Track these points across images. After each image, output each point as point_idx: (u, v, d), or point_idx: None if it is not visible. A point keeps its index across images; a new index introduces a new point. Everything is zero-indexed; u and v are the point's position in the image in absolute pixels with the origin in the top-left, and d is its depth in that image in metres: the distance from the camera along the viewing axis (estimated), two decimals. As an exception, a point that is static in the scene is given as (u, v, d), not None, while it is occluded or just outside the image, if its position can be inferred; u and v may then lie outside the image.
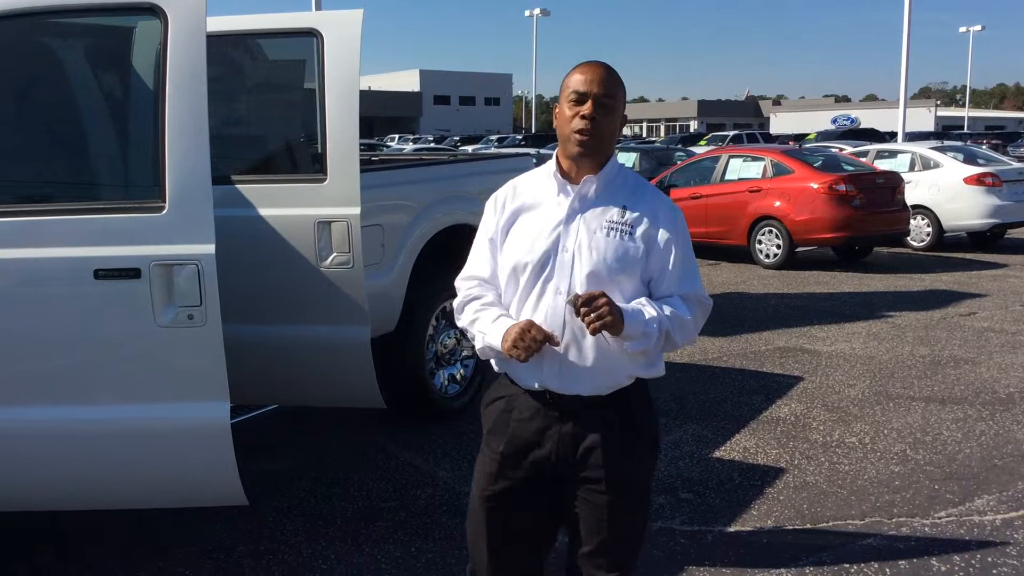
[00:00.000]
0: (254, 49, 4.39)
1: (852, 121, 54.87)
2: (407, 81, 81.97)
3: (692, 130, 67.89)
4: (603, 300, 2.12)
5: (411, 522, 4.28)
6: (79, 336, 2.91)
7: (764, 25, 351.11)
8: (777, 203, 12.24)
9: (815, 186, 12.04)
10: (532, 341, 2.18)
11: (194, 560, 3.88)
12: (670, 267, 2.30)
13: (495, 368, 2.45)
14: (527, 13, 56.62)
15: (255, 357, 4.02)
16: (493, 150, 28.41)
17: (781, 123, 66.47)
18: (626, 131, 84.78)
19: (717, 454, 5.15)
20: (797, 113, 72.20)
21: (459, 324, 2.44)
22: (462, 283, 2.47)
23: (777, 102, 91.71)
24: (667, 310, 2.25)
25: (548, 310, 2.26)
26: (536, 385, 2.33)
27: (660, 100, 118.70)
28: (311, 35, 3.85)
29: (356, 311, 3.97)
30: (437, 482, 4.76)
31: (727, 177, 13.09)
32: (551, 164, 2.32)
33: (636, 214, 2.28)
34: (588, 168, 2.28)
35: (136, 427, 2.96)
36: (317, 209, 3.86)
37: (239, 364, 3.88)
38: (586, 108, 2.21)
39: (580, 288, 2.22)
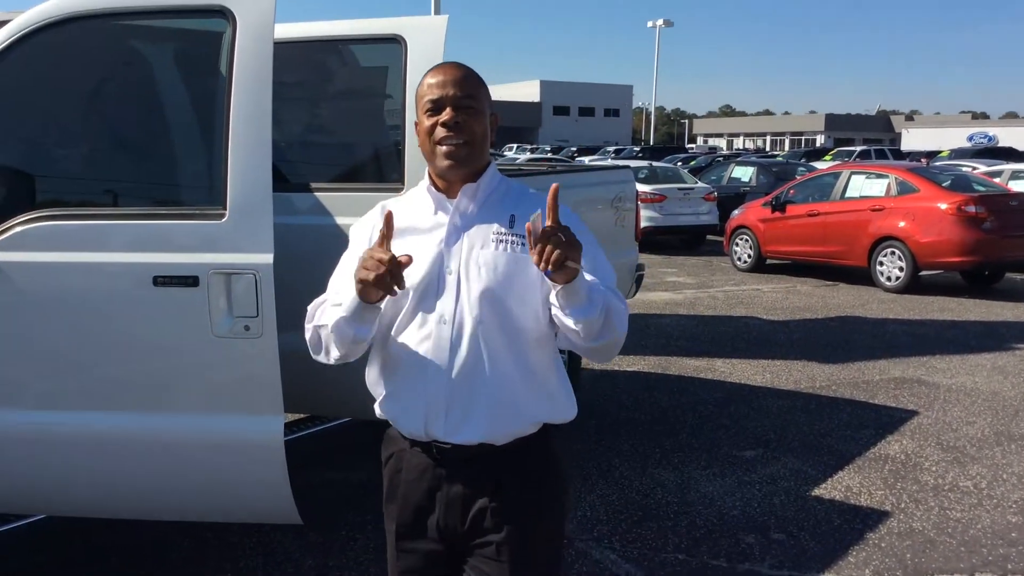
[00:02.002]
0: (338, 55, 4.33)
1: (989, 139, 52.07)
2: (528, 92, 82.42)
3: (818, 144, 65.85)
4: (561, 226, 1.78)
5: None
6: (136, 343, 2.88)
7: (899, 37, 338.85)
8: (901, 223, 11.61)
9: (942, 206, 11.36)
10: (377, 262, 1.80)
11: (263, 571, 3.83)
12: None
13: (377, 412, 2.10)
14: (649, 24, 56.23)
15: (331, 368, 3.93)
16: (588, 161, 28.09)
17: (913, 139, 63.71)
18: (749, 144, 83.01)
19: (816, 492, 4.81)
20: (931, 129, 69.10)
21: (313, 353, 2.05)
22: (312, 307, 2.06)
23: (910, 117, 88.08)
24: (602, 287, 1.92)
25: (432, 340, 1.96)
26: (419, 431, 2.01)
27: (786, 113, 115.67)
28: (395, 41, 3.76)
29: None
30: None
31: (848, 194, 12.51)
32: (424, 181, 2.05)
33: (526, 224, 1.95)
34: (464, 180, 2.00)
35: (188, 437, 2.91)
36: (394, 219, 3.74)
37: (315, 375, 3.81)
38: (445, 114, 1.94)
39: (471, 313, 1.94)
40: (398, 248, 1.91)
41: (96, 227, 2.85)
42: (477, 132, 1.97)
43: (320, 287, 3.95)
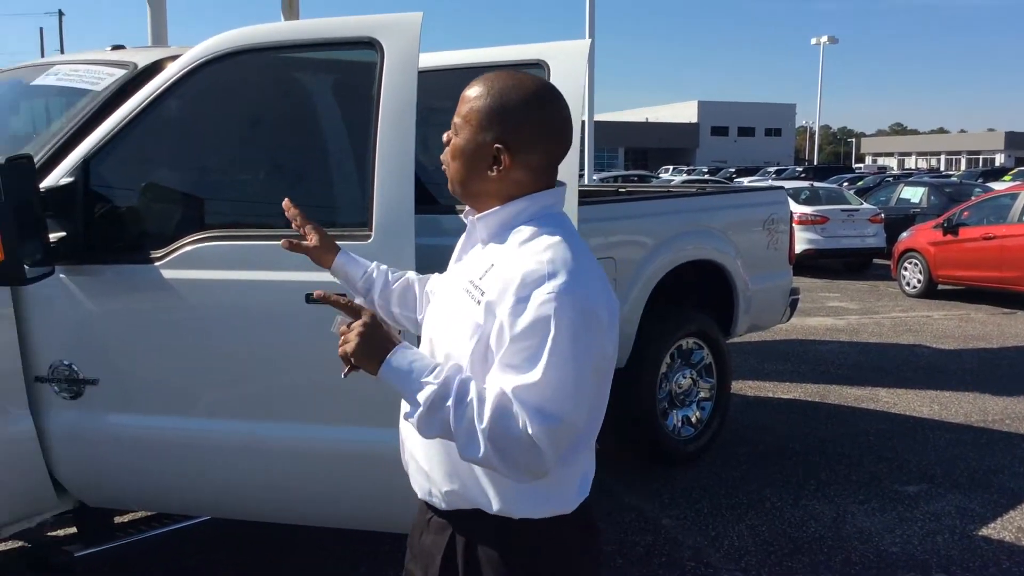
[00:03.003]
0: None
1: None
2: (685, 112, 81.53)
3: (997, 164, 61.92)
4: (362, 321, 1.66)
5: (627, 570, 4.08)
6: (289, 357, 3.03)
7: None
8: (1089, 246, 10.76)
9: None
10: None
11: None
12: (495, 345, 1.59)
13: None
14: (813, 41, 54.63)
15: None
16: (747, 183, 27.46)
17: (1108, 156, 58.90)
18: (921, 164, 79.09)
19: (984, 532, 4.50)
20: None
21: None
22: None
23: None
24: (470, 393, 1.56)
25: None
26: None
27: (962, 131, 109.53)
28: (538, 66, 3.82)
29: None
30: (659, 530, 4.53)
31: (1028, 216, 11.71)
32: None
33: (495, 275, 1.64)
34: (477, 208, 1.77)
35: (341, 447, 3.04)
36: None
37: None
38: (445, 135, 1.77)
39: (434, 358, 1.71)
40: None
41: (255, 247, 3.02)
42: (456, 155, 1.72)
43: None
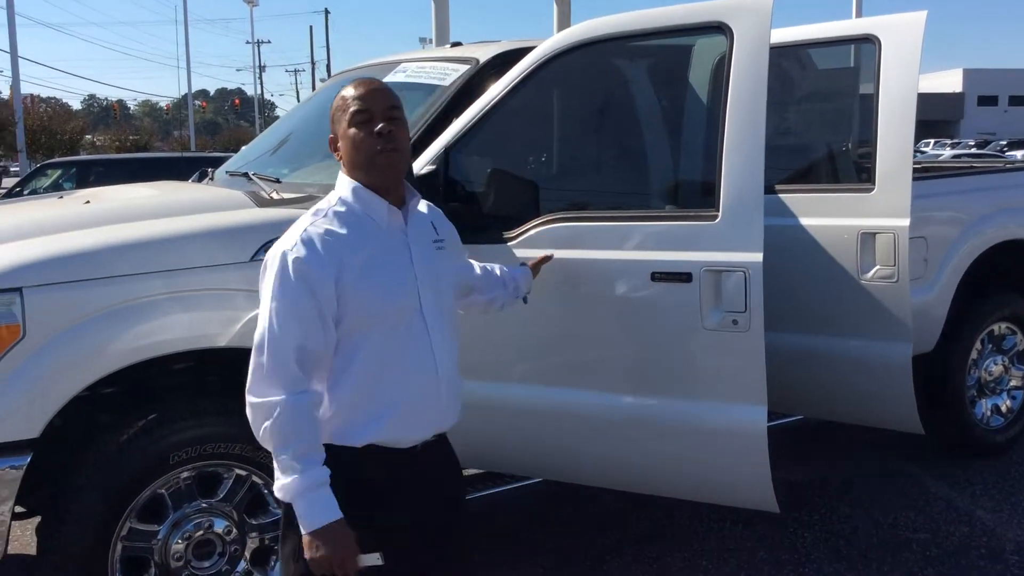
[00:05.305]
0: (804, 58, 4.40)
1: None
2: (947, 82, 75.48)
3: None
4: None
5: (944, 560, 3.96)
6: (634, 331, 3.17)
7: None
8: None
9: None
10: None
11: (717, 556, 4.02)
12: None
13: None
14: (1103, -4, 48.86)
15: (790, 365, 4.02)
16: (1021, 156, 24.99)
17: None
18: None
19: None
20: None
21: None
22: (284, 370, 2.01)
23: None
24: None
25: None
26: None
27: None
28: (868, 41, 3.75)
29: (898, 327, 3.78)
30: (974, 521, 4.34)
31: None
32: (356, 194, 2.13)
33: (446, 229, 2.38)
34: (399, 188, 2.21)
35: (677, 421, 3.14)
36: (861, 220, 3.77)
37: (774, 370, 3.93)
38: (380, 124, 2.09)
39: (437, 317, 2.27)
40: (370, 266, 2.08)
41: (602, 228, 3.19)
42: (405, 150, 2.17)
43: (789, 285, 3.99)
